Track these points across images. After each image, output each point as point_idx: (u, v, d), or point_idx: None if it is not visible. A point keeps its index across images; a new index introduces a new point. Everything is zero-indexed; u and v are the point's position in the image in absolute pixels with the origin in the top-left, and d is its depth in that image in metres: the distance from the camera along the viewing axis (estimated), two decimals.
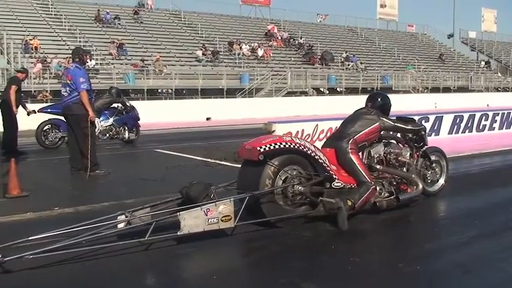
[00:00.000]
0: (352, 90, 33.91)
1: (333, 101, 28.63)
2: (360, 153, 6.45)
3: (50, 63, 26.59)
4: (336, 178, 6.02)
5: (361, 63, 39.02)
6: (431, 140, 14.71)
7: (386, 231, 6.23)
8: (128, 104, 14.63)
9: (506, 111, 17.88)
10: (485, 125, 16.78)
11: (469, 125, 16.20)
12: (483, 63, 52.19)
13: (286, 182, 5.82)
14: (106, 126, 13.91)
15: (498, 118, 17.27)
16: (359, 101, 25.48)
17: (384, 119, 6.63)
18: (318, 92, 32.82)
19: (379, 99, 6.95)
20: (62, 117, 11.34)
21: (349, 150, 6.21)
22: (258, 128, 13.57)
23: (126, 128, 14.21)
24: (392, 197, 6.45)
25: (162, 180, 9.01)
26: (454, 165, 11.37)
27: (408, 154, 6.93)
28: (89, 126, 9.20)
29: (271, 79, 30.86)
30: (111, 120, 14.03)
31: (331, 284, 4.40)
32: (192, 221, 5.04)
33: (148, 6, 37.52)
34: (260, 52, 34.87)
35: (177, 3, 39.14)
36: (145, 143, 14.82)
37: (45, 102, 22.67)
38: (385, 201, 6.36)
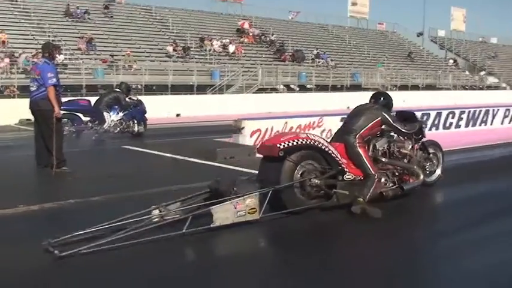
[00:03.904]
0: (322, 87, 34.07)
1: (303, 98, 28.74)
2: (366, 147, 6.94)
3: (17, 58, 26.09)
4: (347, 171, 6.52)
5: (331, 60, 39.26)
6: None
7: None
8: (135, 98, 15.51)
9: (472, 109, 18.22)
10: (452, 122, 17.07)
11: (435, 122, 16.45)
12: (451, 61, 52.92)
13: (304, 176, 6.31)
14: (117, 120, 14.63)
15: (464, 116, 17.58)
16: (329, 98, 25.83)
17: (385, 114, 7.14)
18: (289, 88, 32.90)
19: (382, 98, 7.61)
20: (76, 113, 13.06)
21: (357, 145, 6.72)
22: (228, 124, 13.61)
23: (135, 122, 14.83)
24: (396, 186, 7.02)
25: (129, 177, 8.96)
26: None
27: (410, 147, 7.44)
28: (54, 123, 9.06)
29: (242, 76, 30.84)
30: (120, 114, 14.73)
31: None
32: (223, 214, 5.53)
33: (118, 0, 37.10)
34: (231, 48, 34.81)
35: None
36: (113, 139, 14.66)
37: (13, 98, 22.31)
38: (391, 191, 6.90)
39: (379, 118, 7.04)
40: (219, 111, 23.13)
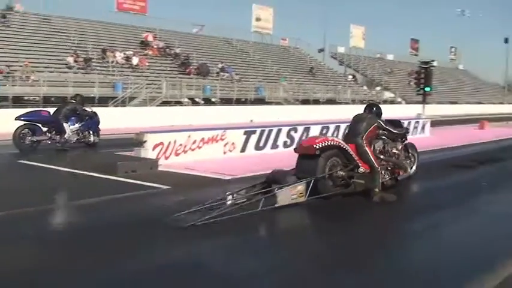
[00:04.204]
0: (227, 101, 34.28)
1: (208, 112, 28.75)
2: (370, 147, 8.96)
3: None
4: (360, 165, 8.63)
5: (236, 74, 39.61)
6: None
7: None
8: (90, 110, 15.93)
9: None
10: None
11: (335, 134, 16.98)
12: (350, 77, 55.00)
13: (332, 169, 8.35)
14: (74, 131, 15.02)
15: None
16: (233, 111, 25.86)
17: (379, 121, 9.34)
18: (193, 102, 32.80)
19: (374, 108, 9.73)
20: (37, 123, 14.30)
21: (364, 144, 8.77)
22: (130, 138, 13.36)
23: (91, 132, 15.38)
24: (392, 177, 9.31)
25: (24, 191, 8.58)
26: None
27: (400, 147, 9.85)
28: None
29: (146, 88, 30.40)
30: (77, 125, 15.17)
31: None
32: (283, 196, 7.66)
33: (16, 9, 35.47)
34: (135, 60, 34.23)
35: (48, 7, 37.43)
36: (7, 153, 13.98)
37: None
38: (389, 181, 9.23)
39: (376, 124, 9.16)
40: (122, 124, 22.63)
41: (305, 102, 39.71)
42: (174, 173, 11.06)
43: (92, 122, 15.59)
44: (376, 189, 8.42)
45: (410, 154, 10.55)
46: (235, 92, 35.54)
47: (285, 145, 15.26)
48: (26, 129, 14.36)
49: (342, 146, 8.54)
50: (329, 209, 8.11)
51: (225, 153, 13.57)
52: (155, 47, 38.41)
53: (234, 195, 7.78)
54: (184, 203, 8.29)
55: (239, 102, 34.80)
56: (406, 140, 10.27)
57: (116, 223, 7.11)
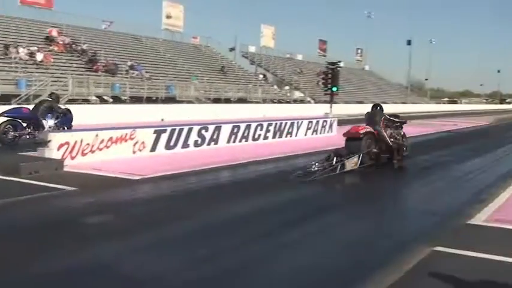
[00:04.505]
0: (137, 99, 33.68)
1: (117, 110, 28.13)
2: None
3: None
4: (382, 145, 12.90)
5: (146, 72, 39.02)
6: (211, 149, 15.36)
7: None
8: (64, 107, 16.91)
9: (279, 122, 19.35)
10: (261, 134, 17.96)
11: (245, 134, 17.19)
12: (261, 76, 55.68)
13: (369, 147, 12.57)
14: (51, 126, 15.53)
15: (272, 128, 18.60)
16: (144, 110, 25.36)
17: (385, 114, 13.55)
18: (102, 100, 31.99)
19: (378, 107, 13.68)
20: (18, 119, 15.30)
21: (382, 130, 12.94)
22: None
23: (66, 128, 15.82)
24: (398, 154, 13.14)
25: None
26: (232, 173, 12.05)
27: (401, 134, 13.99)
28: None
29: (51, 85, 29.28)
30: (53, 121, 15.80)
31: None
32: (348, 165, 11.61)
33: None
34: (39, 57, 32.90)
35: None
36: None
37: None
38: (396, 161, 13.00)
39: (383, 117, 13.33)
40: None
41: (216, 101, 39.77)
42: (80, 173, 10.77)
43: (66, 118, 16.44)
44: (395, 161, 12.96)
45: (404, 139, 14.15)
46: (146, 91, 35.00)
47: (196, 144, 15.26)
48: (9, 125, 15.28)
49: (372, 131, 12.81)
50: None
51: (134, 152, 13.37)
52: (61, 42, 37.06)
53: (317, 163, 11.31)
54: (93, 205, 8.14)
55: (149, 100, 34.31)
56: (402, 128, 14.29)
57: (19, 226, 6.85)
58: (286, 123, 19.51)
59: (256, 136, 17.72)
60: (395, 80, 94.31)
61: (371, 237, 6.92)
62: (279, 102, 48.22)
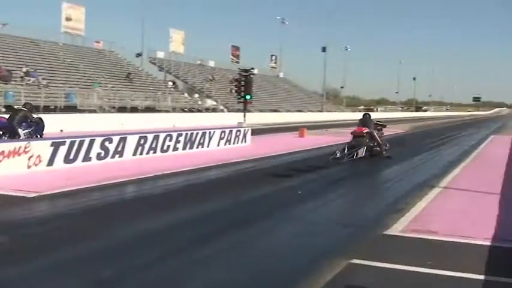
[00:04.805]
0: (33, 108, 32.45)
1: None
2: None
3: None
4: (374, 141, 18.85)
5: (43, 79, 37.77)
6: (116, 162, 15.03)
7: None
8: (37, 117, 18.13)
9: (189, 132, 19.23)
10: (170, 145, 17.78)
11: (153, 146, 16.95)
12: (170, 83, 55.37)
13: (369, 142, 18.48)
14: (26, 135, 16.69)
15: (182, 139, 18.46)
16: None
17: (373, 120, 19.84)
18: None
19: (368, 115, 20.21)
20: None
21: (374, 132, 18.85)
22: None
23: (38, 136, 17.07)
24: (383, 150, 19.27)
25: None
26: (138, 187, 11.84)
27: (383, 134, 20.24)
28: None
29: None
30: (28, 130, 17.03)
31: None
32: (359, 153, 17.89)
33: None
34: None
35: None
36: None
37: None
38: (384, 152, 19.03)
39: (373, 122, 19.52)
40: None
41: (122, 110, 39.06)
42: None
43: (39, 127, 17.80)
44: (384, 152, 19.10)
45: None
46: (43, 99, 33.86)
47: (99, 157, 14.88)
48: None
49: (369, 131, 18.67)
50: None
51: (29, 167, 12.84)
52: None
53: (339, 152, 17.85)
54: None
55: (47, 109, 33.12)
56: (382, 130, 20.71)
57: None
58: (197, 133, 19.43)
59: (165, 147, 17.52)
60: (311, 87, 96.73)
61: (281, 253, 6.98)
62: (190, 111, 48.06)
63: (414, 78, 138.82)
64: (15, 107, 21.90)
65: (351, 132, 18.95)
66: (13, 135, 16.54)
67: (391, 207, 10.07)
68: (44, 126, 18.15)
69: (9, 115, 17.71)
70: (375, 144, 18.88)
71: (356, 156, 17.59)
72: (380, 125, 20.29)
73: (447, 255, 6.74)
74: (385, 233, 7.77)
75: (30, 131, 17.19)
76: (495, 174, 15.20)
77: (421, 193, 11.35)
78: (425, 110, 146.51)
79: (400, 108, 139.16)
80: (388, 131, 34.70)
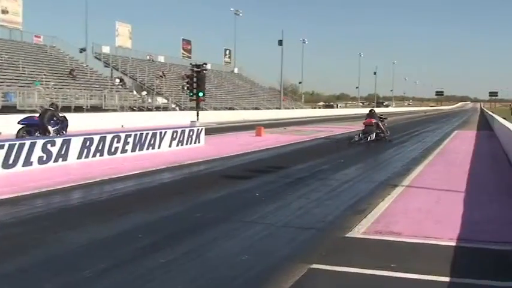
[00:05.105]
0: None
1: None
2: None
3: None
4: (379, 129, 27.59)
5: None
6: (60, 166, 14.78)
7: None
8: (62, 115, 21.61)
9: (139, 133, 19.03)
10: (118, 147, 17.58)
11: (99, 148, 16.74)
12: (117, 80, 54.73)
13: (376, 130, 27.24)
14: (54, 132, 20.10)
15: (131, 140, 18.27)
16: None
17: (377, 114, 28.84)
18: None
19: (373, 110, 28.89)
20: (31, 126, 20.32)
21: (379, 122, 27.80)
22: None
23: (63, 133, 20.25)
24: (386, 136, 28.29)
25: None
26: (84, 193, 11.67)
27: (385, 124, 29.11)
28: None
29: None
30: (56, 127, 20.47)
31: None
32: (371, 137, 26.73)
33: None
34: None
35: None
36: None
37: None
38: (387, 137, 27.88)
39: (377, 114, 28.55)
40: None
41: (65, 109, 38.35)
42: None
43: (63, 125, 21.11)
44: (387, 137, 27.48)
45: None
46: None
47: (41, 161, 14.62)
48: (24, 132, 20.29)
49: (376, 122, 26.86)
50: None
51: None
52: None
53: (356, 136, 26.60)
54: None
55: None
56: (384, 121, 28.85)
57: None
58: (147, 134, 19.26)
59: (112, 150, 17.32)
60: (268, 83, 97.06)
61: (238, 259, 6.98)
62: (140, 110, 47.62)
63: (375, 73, 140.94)
64: (44, 107, 26.54)
65: (363, 123, 27.71)
66: (44, 132, 20.00)
67: (353, 208, 10.21)
68: (67, 124, 21.45)
69: (39, 114, 21.57)
70: (380, 131, 27.32)
71: (370, 139, 26.17)
72: (382, 118, 28.85)
73: (411, 257, 6.88)
74: (347, 235, 7.88)
75: (57, 128, 20.62)
76: (460, 170, 15.61)
77: (383, 193, 11.56)
78: (386, 106, 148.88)
79: (361, 104, 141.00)
80: (348, 128, 36.75)
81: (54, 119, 20.65)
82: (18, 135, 19.91)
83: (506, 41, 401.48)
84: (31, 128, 20.26)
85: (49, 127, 20.12)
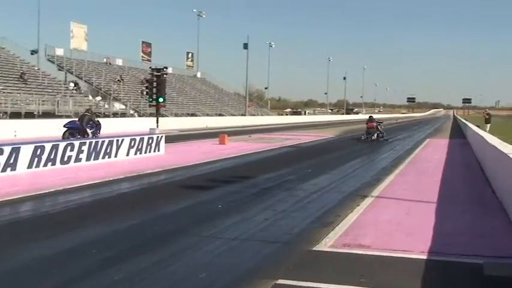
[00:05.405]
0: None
1: None
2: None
3: None
4: (378, 131, 37.49)
5: None
6: (7, 177, 14.57)
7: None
8: (96, 119, 26.67)
9: (94, 141, 18.90)
10: (71, 156, 17.39)
11: (51, 157, 16.54)
12: (72, 84, 54.14)
13: (377, 131, 36.96)
14: (91, 134, 24.60)
15: (85, 148, 18.10)
16: None
17: (376, 119, 39.14)
18: None
19: (372, 116, 38.85)
20: (73, 129, 24.94)
21: (379, 125, 37.85)
22: None
23: (98, 134, 24.88)
24: (384, 137, 37.98)
25: None
26: (35, 205, 11.51)
27: (382, 127, 38.82)
28: None
29: None
30: (93, 130, 25.09)
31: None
32: (374, 137, 36.21)
33: None
34: None
35: None
36: None
37: None
38: (384, 138, 37.42)
39: (376, 120, 38.49)
40: None
41: (15, 115, 37.94)
42: None
43: (98, 128, 25.78)
44: (386, 137, 37.25)
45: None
46: None
47: None
48: (69, 134, 24.37)
49: (377, 125, 36.79)
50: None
51: None
52: None
53: (363, 136, 36.18)
54: None
55: None
56: (381, 124, 38.45)
57: None
58: (103, 141, 19.12)
59: (65, 158, 17.13)
60: (232, 89, 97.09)
61: (200, 276, 6.96)
62: (96, 116, 47.09)
63: (344, 78, 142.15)
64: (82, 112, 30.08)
65: (366, 126, 36.34)
66: (83, 134, 24.26)
67: (320, 220, 10.28)
68: (101, 127, 26.04)
69: (78, 118, 26.29)
70: (379, 132, 36.02)
71: (373, 138, 34.95)
72: (379, 122, 37.48)
73: (381, 271, 6.94)
74: (314, 249, 7.92)
75: (93, 131, 25.05)
76: (431, 180, 15.84)
77: (352, 204, 11.66)
78: (356, 113, 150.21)
79: (330, 111, 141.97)
80: (317, 136, 39.95)
81: (91, 122, 25.40)
82: (64, 137, 23.65)
83: (481, 47, 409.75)
84: (74, 131, 24.62)
85: (88, 130, 24.68)
